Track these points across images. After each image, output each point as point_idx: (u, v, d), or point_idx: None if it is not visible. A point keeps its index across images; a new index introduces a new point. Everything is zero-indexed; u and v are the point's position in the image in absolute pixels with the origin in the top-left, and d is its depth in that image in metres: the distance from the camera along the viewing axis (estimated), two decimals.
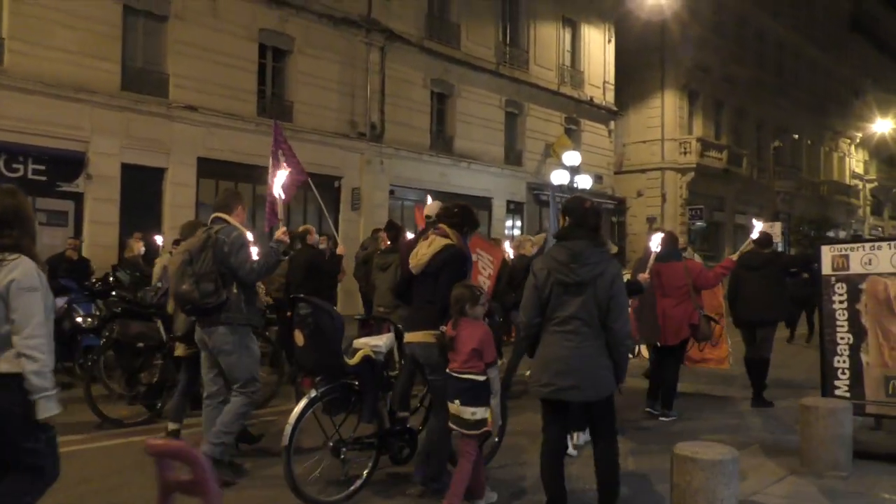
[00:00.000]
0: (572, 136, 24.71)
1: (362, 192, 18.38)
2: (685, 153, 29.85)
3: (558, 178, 19.33)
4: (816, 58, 40.03)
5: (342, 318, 4.71)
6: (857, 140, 45.07)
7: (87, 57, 13.63)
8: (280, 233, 5.17)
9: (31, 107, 12.84)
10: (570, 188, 18.96)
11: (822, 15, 40.37)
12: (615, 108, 27.28)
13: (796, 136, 38.43)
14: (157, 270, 10.20)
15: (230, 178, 15.61)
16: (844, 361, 5.73)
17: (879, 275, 5.60)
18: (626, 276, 8.09)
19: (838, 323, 5.76)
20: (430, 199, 7.50)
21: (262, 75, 16.80)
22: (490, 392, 4.32)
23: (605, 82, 26.87)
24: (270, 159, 10.28)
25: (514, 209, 23.10)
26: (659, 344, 7.45)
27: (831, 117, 41.34)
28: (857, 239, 5.05)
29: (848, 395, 5.67)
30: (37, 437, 3.09)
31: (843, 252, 5.78)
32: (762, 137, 35.29)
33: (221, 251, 4.92)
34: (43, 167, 13.17)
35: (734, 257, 7.85)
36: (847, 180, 44.16)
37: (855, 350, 5.68)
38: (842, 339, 5.75)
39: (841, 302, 5.76)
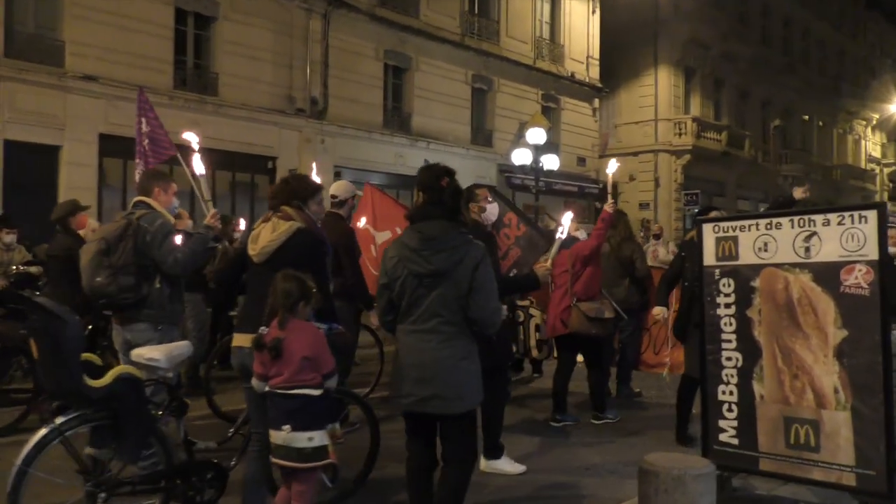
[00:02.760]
0: (551, 114, 22.77)
1: (301, 173, 16.63)
2: (680, 134, 27.79)
3: (521, 157, 17.45)
4: (827, 35, 37.60)
5: (80, 328, 3.67)
6: (874, 122, 42.60)
7: None
8: (210, 217, 4.52)
9: None
10: (534, 169, 17.07)
11: None
12: (599, 85, 25.25)
13: (806, 118, 36.10)
14: None
15: None
16: (731, 393, 3.91)
17: (778, 266, 3.75)
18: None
19: (724, 336, 3.94)
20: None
21: (182, 44, 15.16)
22: (329, 411, 3.44)
23: (588, 57, 24.86)
24: (136, 128, 9.09)
25: None
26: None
27: (845, 98, 38.84)
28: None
29: (736, 441, 3.88)
30: None
31: (731, 233, 3.95)
32: (767, 119, 33.07)
33: (143, 241, 4.37)
34: None
35: (608, 207, 6.01)
36: (862, 164, 41.73)
37: (745, 377, 3.87)
38: (728, 359, 3.93)
39: (727, 305, 3.93)
